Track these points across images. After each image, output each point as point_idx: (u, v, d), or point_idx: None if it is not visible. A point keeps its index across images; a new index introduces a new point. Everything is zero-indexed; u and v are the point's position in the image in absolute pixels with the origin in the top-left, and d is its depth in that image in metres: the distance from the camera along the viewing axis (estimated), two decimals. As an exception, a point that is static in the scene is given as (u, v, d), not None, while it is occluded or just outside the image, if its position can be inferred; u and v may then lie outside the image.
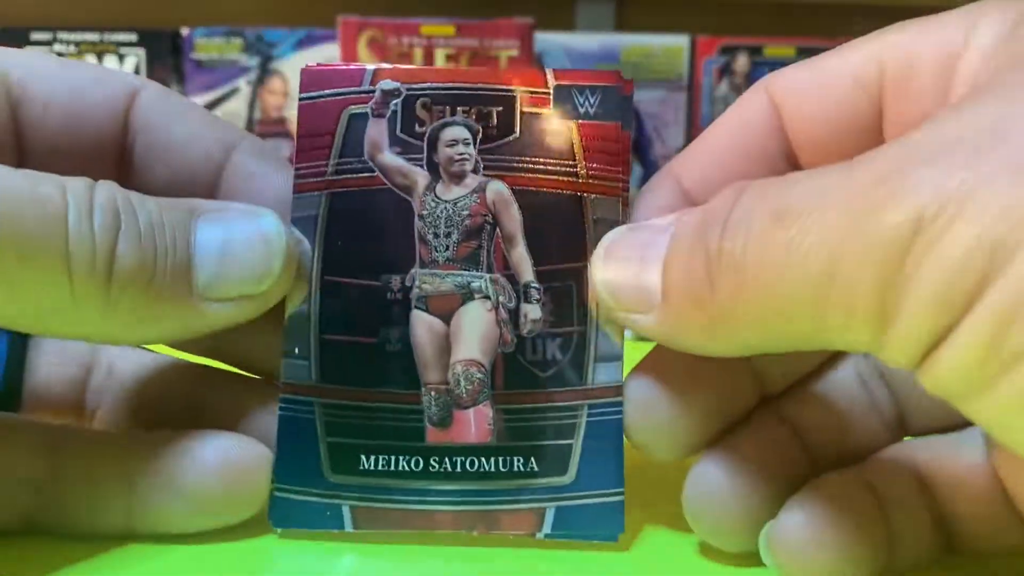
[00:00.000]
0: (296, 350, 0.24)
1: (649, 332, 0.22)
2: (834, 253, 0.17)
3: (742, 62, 0.83)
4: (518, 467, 0.24)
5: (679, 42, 0.83)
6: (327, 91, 0.25)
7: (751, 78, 0.83)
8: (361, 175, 0.25)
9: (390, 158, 0.25)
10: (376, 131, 0.25)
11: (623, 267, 0.23)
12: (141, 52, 0.90)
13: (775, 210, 0.18)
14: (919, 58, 0.21)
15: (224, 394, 0.26)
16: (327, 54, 0.88)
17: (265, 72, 0.90)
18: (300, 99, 0.25)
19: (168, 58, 0.90)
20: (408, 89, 0.25)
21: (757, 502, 0.23)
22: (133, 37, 0.90)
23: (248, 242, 0.23)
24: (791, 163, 0.24)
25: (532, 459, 0.24)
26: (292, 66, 0.89)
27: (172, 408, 0.27)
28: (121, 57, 0.90)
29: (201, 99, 0.88)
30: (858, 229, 0.17)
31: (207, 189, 0.26)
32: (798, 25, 0.95)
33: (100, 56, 0.90)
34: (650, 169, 0.84)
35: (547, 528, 0.24)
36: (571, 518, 0.24)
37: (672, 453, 0.24)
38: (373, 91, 0.25)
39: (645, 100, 0.84)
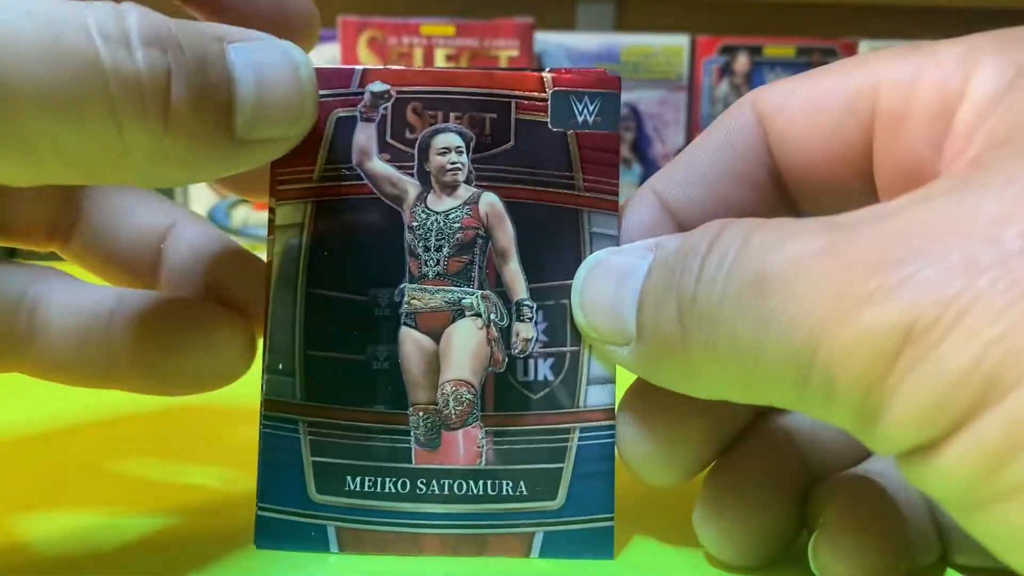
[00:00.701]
0: (280, 366, 0.24)
1: (626, 366, 0.22)
2: (816, 334, 0.16)
3: (742, 62, 0.82)
4: (507, 491, 0.24)
5: (679, 42, 0.83)
6: None
7: (751, 78, 0.83)
8: (349, 183, 0.24)
9: (379, 165, 0.24)
10: (365, 136, 0.24)
11: (600, 297, 0.22)
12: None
13: (755, 273, 0.18)
14: (914, 99, 0.20)
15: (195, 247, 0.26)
16: (327, 54, 0.88)
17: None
18: None
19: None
20: (399, 92, 0.24)
21: (765, 517, 0.23)
22: (132, 36, 0.90)
23: (280, 78, 0.21)
24: (775, 181, 0.24)
25: (521, 483, 0.24)
26: (291, 65, 0.89)
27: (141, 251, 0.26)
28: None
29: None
30: (844, 316, 0.16)
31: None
32: (798, 25, 0.95)
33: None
34: (650, 168, 0.84)
35: (535, 553, 0.24)
36: (560, 543, 0.24)
37: (671, 480, 0.24)
38: (362, 93, 0.24)
39: (645, 100, 0.83)
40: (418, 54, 0.81)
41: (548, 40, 0.83)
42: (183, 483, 0.29)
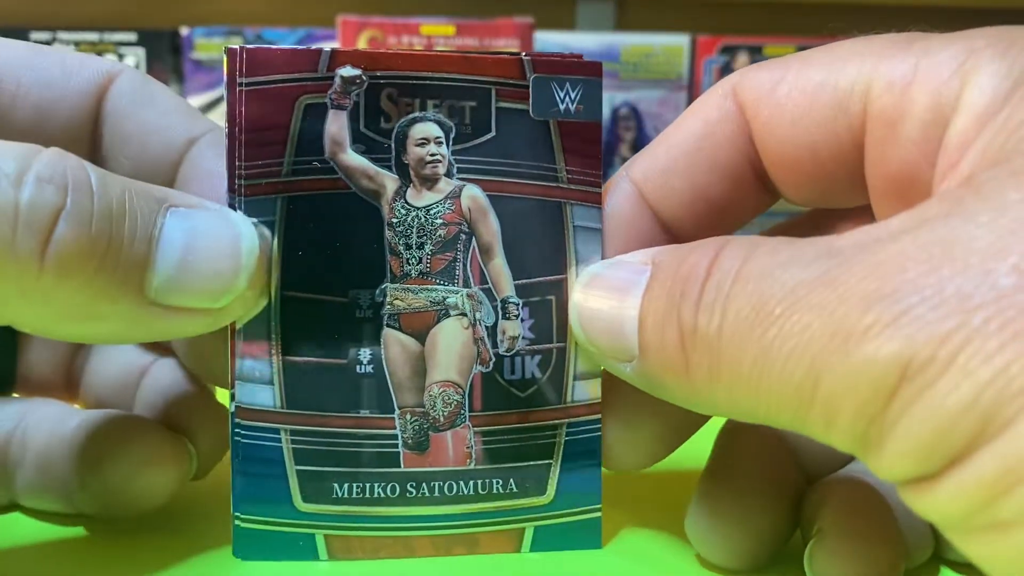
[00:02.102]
0: (256, 373, 0.22)
1: (629, 380, 0.22)
2: (816, 366, 0.17)
3: (742, 62, 0.82)
4: (497, 489, 0.23)
5: (679, 42, 0.83)
6: (276, 76, 0.22)
7: (752, 78, 0.82)
8: (322, 176, 0.22)
9: (354, 158, 0.22)
10: (337, 126, 0.22)
11: (599, 314, 0.22)
12: (140, 52, 0.90)
13: (754, 302, 0.18)
14: (908, 104, 0.20)
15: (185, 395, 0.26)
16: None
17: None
18: (242, 84, 0.22)
19: (167, 58, 0.90)
20: (371, 77, 0.22)
21: (760, 520, 0.23)
22: (132, 37, 0.90)
23: (214, 247, 0.20)
24: (756, 171, 0.23)
25: (511, 481, 0.23)
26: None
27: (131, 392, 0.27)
28: (120, 57, 0.90)
29: (200, 99, 0.87)
30: (843, 350, 0.16)
31: (166, 181, 0.24)
32: (798, 25, 0.95)
33: (99, 56, 0.90)
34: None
35: (526, 548, 0.24)
36: (550, 537, 0.24)
37: (644, 464, 0.24)
38: (331, 78, 0.22)
39: (645, 100, 0.83)
40: (418, 54, 0.81)
41: (548, 40, 0.83)
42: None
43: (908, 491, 0.17)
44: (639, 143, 0.84)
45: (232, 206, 0.22)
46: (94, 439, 0.24)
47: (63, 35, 0.90)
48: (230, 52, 0.22)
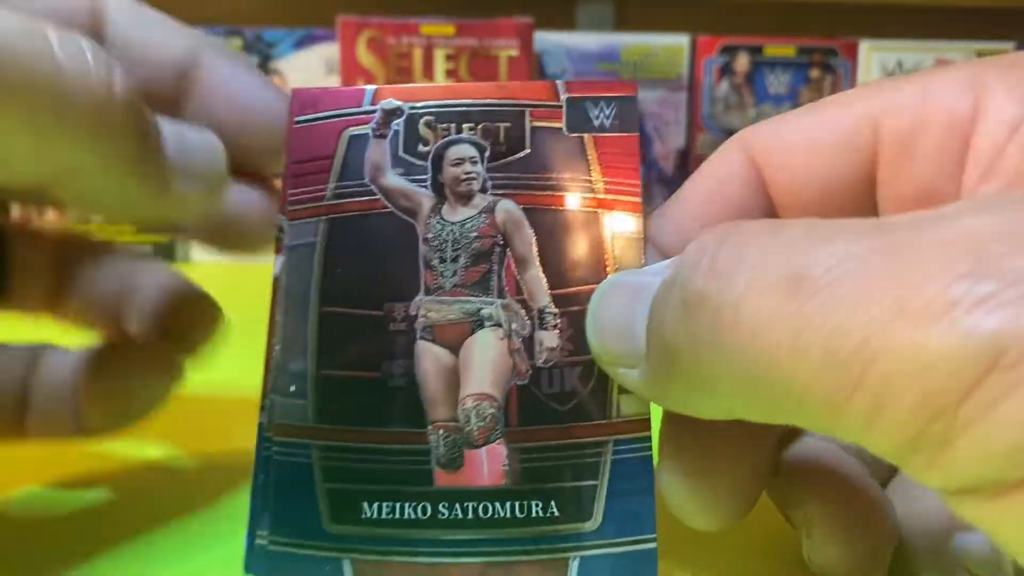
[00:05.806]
0: (292, 388, 0.22)
1: (636, 389, 0.20)
2: (872, 344, 0.14)
3: (742, 62, 0.82)
4: (537, 512, 0.22)
5: (679, 42, 0.83)
6: (324, 113, 0.24)
7: (751, 78, 0.82)
8: (362, 199, 0.23)
9: (393, 180, 0.23)
10: (378, 152, 0.24)
11: (613, 317, 0.20)
12: (137, 53, 0.90)
13: (792, 269, 0.15)
14: (924, 122, 0.19)
15: None
16: (327, 54, 0.88)
17: (264, 71, 0.89)
18: (295, 122, 0.24)
19: (165, 59, 0.90)
20: (411, 108, 0.24)
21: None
22: (130, 38, 0.89)
23: (200, 141, 0.23)
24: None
25: (552, 503, 0.22)
26: (291, 66, 0.89)
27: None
28: (117, 58, 0.90)
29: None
30: (912, 327, 0.14)
31: (175, 96, 0.25)
32: (798, 25, 0.95)
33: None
34: (650, 168, 0.84)
35: None
36: (598, 569, 0.21)
37: (723, 524, 0.22)
38: (374, 111, 0.24)
39: (645, 100, 0.83)
40: (418, 54, 0.81)
41: (548, 40, 0.83)
42: (170, 504, 0.28)
43: (967, 499, 0.15)
44: (639, 143, 0.84)
45: (279, 227, 0.24)
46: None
47: (59, 36, 0.89)
48: (290, 94, 0.24)
